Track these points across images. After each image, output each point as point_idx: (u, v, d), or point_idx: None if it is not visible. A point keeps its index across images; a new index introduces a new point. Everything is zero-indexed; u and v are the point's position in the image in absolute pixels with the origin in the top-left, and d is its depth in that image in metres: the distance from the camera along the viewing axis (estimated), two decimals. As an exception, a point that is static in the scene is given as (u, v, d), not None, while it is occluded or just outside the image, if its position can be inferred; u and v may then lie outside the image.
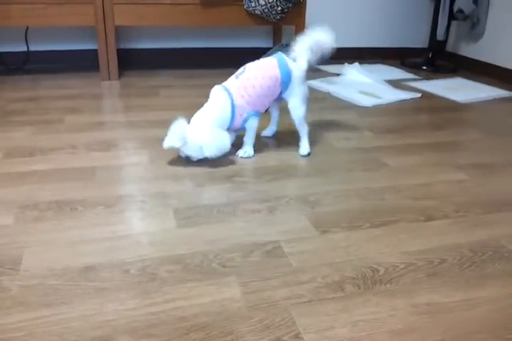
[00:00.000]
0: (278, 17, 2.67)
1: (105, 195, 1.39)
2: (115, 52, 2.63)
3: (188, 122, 1.61)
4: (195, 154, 1.60)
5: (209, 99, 1.65)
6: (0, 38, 2.84)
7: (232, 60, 3.09)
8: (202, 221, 1.27)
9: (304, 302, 0.97)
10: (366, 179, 1.56)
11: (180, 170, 1.58)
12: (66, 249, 1.13)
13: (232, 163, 1.64)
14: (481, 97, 2.59)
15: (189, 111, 1.68)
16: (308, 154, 1.74)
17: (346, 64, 3.00)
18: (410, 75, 3.06)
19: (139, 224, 1.25)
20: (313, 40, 1.68)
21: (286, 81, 1.65)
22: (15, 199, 1.35)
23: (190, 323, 0.91)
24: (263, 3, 2.60)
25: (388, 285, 1.04)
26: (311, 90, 2.55)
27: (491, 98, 2.61)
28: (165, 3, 2.57)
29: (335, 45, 1.68)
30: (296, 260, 1.11)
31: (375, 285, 1.03)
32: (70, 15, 2.48)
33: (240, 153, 1.70)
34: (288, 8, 2.67)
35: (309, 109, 2.23)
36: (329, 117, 2.17)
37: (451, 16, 3.11)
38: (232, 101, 1.61)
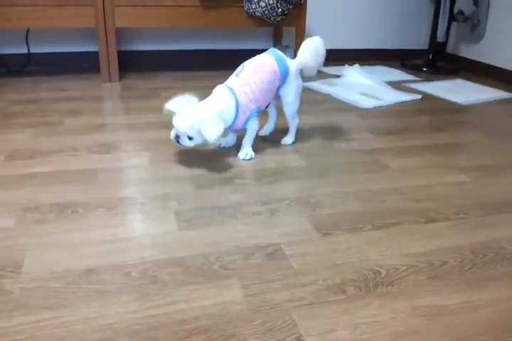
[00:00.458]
0: (278, 19, 2.68)
1: (106, 197, 1.39)
2: (116, 54, 2.63)
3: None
4: (195, 135, 1.54)
5: (211, 96, 1.64)
6: (1, 40, 2.84)
7: (233, 61, 3.08)
8: (203, 223, 1.27)
9: (306, 305, 0.97)
10: (367, 181, 1.56)
11: (181, 172, 1.58)
12: (67, 251, 1.13)
13: (233, 164, 1.64)
14: (481, 99, 2.60)
15: (190, 113, 1.68)
16: (292, 143, 1.84)
17: (347, 65, 3.00)
18: (411, 77, 3.06)
19: (140, 226, 1.25)
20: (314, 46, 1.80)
21: (284, 75, 1.70)
22: (16, 201, 1.35)
23: (191, 326, 0.91)
24: (263, 4, 2.60)
25: (390, 288, 1.03)
26: (312, 92, 2.56)
27: (492, 99, 2.61)
28: (165, 5, 2.58)
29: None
30: (297, 262, 1.11)
31: (377, 287, 1.03)
32: (70, 17, 2.49)
33: (241, 155, 1.70)
34: (288, 9, 2.67)
35: (310, 111, 2.25)
36: (330, 119, 2.17)
37: (452, 18, 3.11)
38: (236, 99, 1.61)
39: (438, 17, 3.13)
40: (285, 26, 3.02)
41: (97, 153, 1.70)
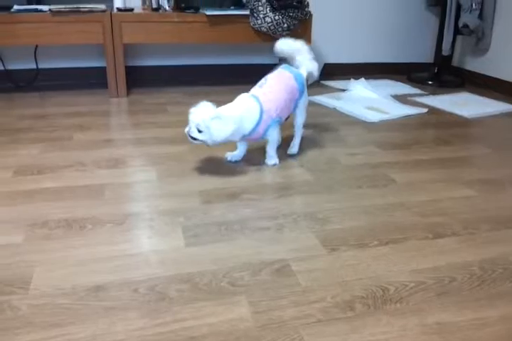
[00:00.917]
0: (284, 34, 2.70)
1: (114, 212, 1.40)
2: (123, 69, 2.66)
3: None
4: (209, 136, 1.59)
5: (234, 102, 1.68)
6: (9, 56, 2.87)
7: (239, 76, 3.12)
8: (210, 239, 1.27)
9: (314, 323, 0.97)
10: (374, 195, 1.56)
11: (188, 187, 1.58)
12: (75, 267, 1.13)
13: (239, 180, 1.65)
14: (487, 112, 2.59)
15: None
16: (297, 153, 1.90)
17: (352, 79, 3.01)
18: (416, 90, 3.07)
19: (148, 242, 1.25)
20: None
21: (301, 89, 1.80)
22: (24, 217, 1.36)
23: (199, 344, 0.91)
24: (269, 20, 2.63)
25: (398, 305, 1.03)
26: (318, 106, 2.57)
27: (498, 113, 2.61)
28: (172, 21, 2.61)
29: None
30: (305, 279, 1.11)
31: (385, 304, 1.03)
32: (78, 33, 2.52)
33: (269, 162, 1.78)
34: (294, 25, 2.70)
35: (315, 124, 2.26)
36: (336, 133, 2.18)
37: (457, 31, 3.12)
38: (261, 106, 1.66)
39: (443, 30, 3.14)
40: (291, 41, 3.03)
41: (105, 168, 1.71)
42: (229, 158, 1.81)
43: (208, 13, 2.61)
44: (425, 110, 2.58)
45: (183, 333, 0.93)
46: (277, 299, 1.03)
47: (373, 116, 2.42)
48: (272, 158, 1.78)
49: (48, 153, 1.85)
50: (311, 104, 1.87)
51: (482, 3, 3.03)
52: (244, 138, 1.69)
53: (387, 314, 1.00)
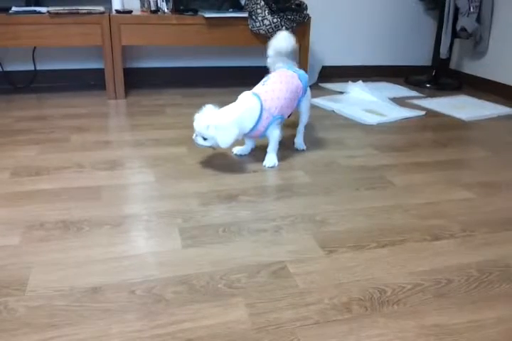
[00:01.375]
0: (282, 36, 2.70)
1: (111, 214, 1.40)
2: (122, 71, 2.66)
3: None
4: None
5: (236, 102, 1.71)
6: (7, 58, 2.87)
7: (237, 78, 3.12)
8: (207, 241, 1.27)
9: (311, 325, 0.96)
10: (372, 198, 1.56)
11: (186, 189, 1.58)
12: (72, 269, 1.13)
13: (237, 181, 1.65)
14: (485, 115, 2.60)
15: (195, 130, 1.70)
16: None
17: (350, 82, 3.02)
18: (414, 93, 3.07)
19: (145, 244, 1.25)
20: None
21: (305, 87, 1.85)
22: (21, 218, 1.35)
23: (196, 345, 0.90)
24: (267, 23, 2.63)
25: (396, 307, 1.03)
26: (316, 108, 2.57)
27: (496, 115, 2.61)
28: (171, 24, 2.61)
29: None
30: (302, 281, 1.11)
31: (383, 306, 1.03)
32: (77, 35, 2.52)
33: (267, 163, 1.77)
34: (292, 27, 2.70)
35: (314, 127, 2.26)
36: (334, 135, 2.18)
37: (455, 34, 3.13)
38: (261, 103, 1.69)
39: (441, 33, 3.15)
40: (289, 43, 3.04)
41: (103, 170, 1.71)
42: (235, 152, 1.86)
43: (207, 15, 2.61)
44: (423, 113, 2.59)
45: (180, 335, 0.93)
46: (274, 301, 1.03)
47: (371, 119, 2.42)
48: (271, 159, 1.78)
49: (46, 154, 1.84)
50: (309, 106, 1.89)
51: (480, 7, 3.04)
52: (245, 136, 1.72)
53: (385, 316, 1.00)
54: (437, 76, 3.35)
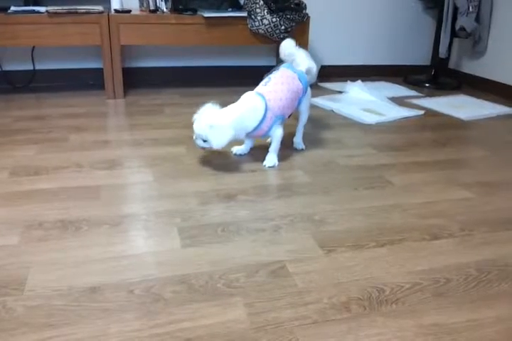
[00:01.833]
0: (281, 36, 2.70)
1: (110, 213, 1.39)
2: (120, 70, 2.65)
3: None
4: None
5: (238, 101, 1.72)
6: (6, 57, 2.87)
7: (237, 78, 3.12)
8: (206, 240, 1.27)
9: (310, 324, 0.96)
10: (371, 197, 1.56)
11: (185, 188, 1.58)
12: (71, 268, 1.13)
13: (236, 181, 1.65)
14: (484, 114, 2.60)
15: (194, 129, 1.70)
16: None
17: (349, 81, 3.02)
18: (413, 92, 3.07)
19: (144, 243, 1.25)
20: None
21: (305, 87, 1.85)
22: (20, 218, 1.35)
23: (195, 345, 0.90)
24: (267, 22, 2.63)
25: (394, 306, 1.03)
26: (315, 108, 2.57)
27: (495, 115, 2.61)
28: (170, 23, 2.61)
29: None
30: (301, 280, 1.11)
31: (381, 305, 1.03)
32: (76, 35, 2.51)
33: (267, 163, 1.77)
34: (291, 27, 2.70)
35: (313, 126, 2.26)
36: (333, 135, 2.18)
37: (454, 34, 3.13)
38: (266, 103, 1.69)
39: (440, 33, 3.15)
40: (288, 43, 3.04)
41: (101, 170, 1.71)
42: (234, 152, 1.86)
43: (206, 15, 2.61)
44: (422, 112, 2.59)
45: (179, 335, 0.93)
46: (273, 300, 1.03)
47: (370, 118, 2.42)
48: (271, 159, 1.78)
49: (44, 154, 1.84)
50: (308, 105, 1.89)
51: (479, 6, 3.04)
52: (248, 135, 1.73)
53: (383, 315, 1.00)
54: (436, 75, 3.35)
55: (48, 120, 2.28)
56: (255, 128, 1.71)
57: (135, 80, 3.03)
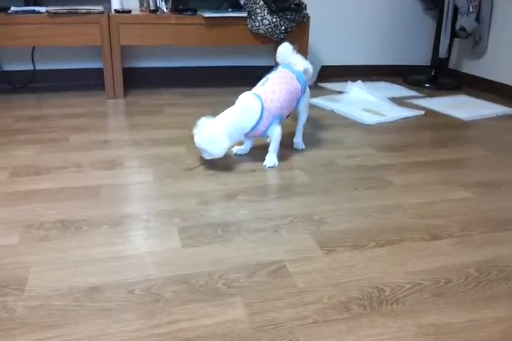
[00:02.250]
0: (282, 36, 2.70)
1: (110, 213, 1.39)
2: (120, 71, 2.65)
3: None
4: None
5: (237, 103, 1.73)
6: (6, 57, 2.87)
7: (237, 78, 3.12)
8: (206, 240, 1.27)
9: (310, 324, 0.96)
10: (371, 197, 1.56)
11: (185, 188, 1.58)
12: (71, 268, 1.13)
13: (236, 181, 1.65)
14: (484, 114, 2.60)
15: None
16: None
17: (349, 82, 3.02)
18: (413, 93, 3.07)
19: (144, 243, 1.25)
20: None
21: (304, 87, 1.86)
22: (20, 218, 1.35)
23: (195, 345, 0.90)
24: (267, 22, 2.63)
25: (394, 306, 1.03)
26: (315, 108, 2.57)
27: (495, 115, 2.61)
28: (170, 23, 2.61)
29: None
30: (301, 280, 1.11)
31: (381, 305, 1.03)
32: (76, 35, 2.52)
33: (267, 163, 1.78)
34: (291, 27, 2.70)
35: (313, 126, 2.26)
36: (333, 135, 2.18)
37: (454, 34, 3.13)
38: (262, 104, 1.70)
39: (440, 33, 3.15)
40: (288, 43, 3.04)
41: (101, 170, 1.71)
42: (235, 151, 1.87)
43: (206, 15, 2.61)
44: (422, 112, 2.59)
45: (179, 335, 0.93)
46: (273, 300, 1.03)
47: (370, 119, 2.42)
48: (271, 159, 1.78)
49: (45, 154, 1.84)
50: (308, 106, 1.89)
51: (479, 7, 3.04)
52: (246, 135, 1.75)
53: (383, 315, 1.00)
54: (436, 76, 3.35)
55: (48, 120, 2.28)
56: (252, 129, 1.71)
57: (135, 80, 3.03)
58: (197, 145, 1.69)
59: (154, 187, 1.59)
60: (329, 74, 3.31)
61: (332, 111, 2.57)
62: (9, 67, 2.89)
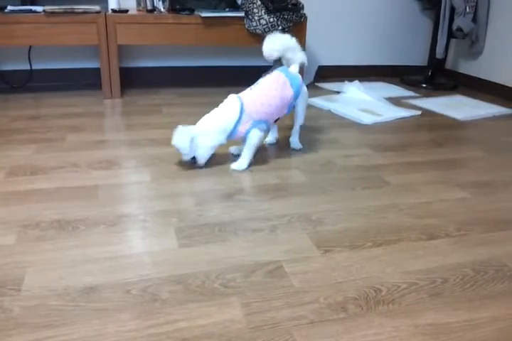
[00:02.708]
0: (279, 36, 2.70)
1: (107, 213, 1.39)
2: (117, 70, 2.65)
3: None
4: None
5: (220, 105, 1.73)
6: (3, 57, 2.87)
7: (234, 78, 3.12)
8: (203, 240, 1.27)
9: (306, 324, 0.96)
10: (368, 197, 1.56)
11: (182, 188, 1.58)
12: (68, 268, 1.13)
13: (233, 180, 1.65)
14: (481, 115, 2.61)
15: (191, 129, 1.69)
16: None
17: (346, 82, 3.02)
18: (410, 93, 3.08)
19: (141, 243, 1.25)
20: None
21: (297, 91, 1.81)
22: (17, 218, 1.35)
23: (191, 345, 0.90)
24: (264, 22, 2.63)
25: (391, 306, 1.03)
26: (312, 108, 2.57)
27: (491, 115, 2.62)
28: (167, 23, 2.61)
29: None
30: (298, 280, 1.11)
31: (378, 305, 1.03)
32: (73, 34, 2.51)
33: (233, 165, 1.75)
34: (288, 27, 2.70)
35: (310, 126, 2.26)
36: (330, 135, 2.18)
37: (451, 34, 3.14)
38: (242, 106, 1.69)
39: (437, 33, 3.16)
40: (285, 43, 3.04)
41: (98, 170, 1.70)
42: (232, 151, 1.87)
43: (203, 14, 2.61)
44: (419, 112, 2.59)
45: (176, 335, 0.93)
46: (270, 300, 1.03)
47: (367, 119, 2.43)
48: (240, 163, 1.75)
49: (41, 154, 1.84)
50: (305, 106, 1.90)
51: (476, 7, 3.05)
52: (229, 138, 1.73)
53: (380, 315, 1.00)
54: (433, 76, 3.35)
55: (45, 120, 2.28)
56: (233, 131, 1.69)
57: (132, 80, 3.02)
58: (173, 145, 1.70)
59: (151, 187, 1.59)
60: (326, 74, 3.31)
61: (329, 111, 2.57)
62: (6, 66, 2.88)
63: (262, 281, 1.10)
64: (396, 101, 2.80)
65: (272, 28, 2.65)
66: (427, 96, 3.02)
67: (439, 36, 3.13)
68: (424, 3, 3.41)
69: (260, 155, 1.80)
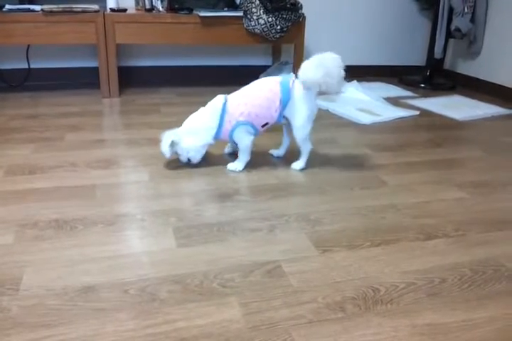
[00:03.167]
0: (277, 36, 2.70)
1: (105, 213, 1.39)
2: (116, 69, 2.65)
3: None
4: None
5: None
6: (1, 56, 2.86)
7: (232, 77, 3.12)
8: (202, 240, 1.27)
9: (305, 323, 0.97)
10: (366, 197, 1.56)
11: (180, 188, 1.58)
12: (66, 268, 1.12)
13: (232, 180, 1.65)
14: (479, 115, 2.61)
15: (189, 129, 1.69)
16: (301, 170, 1.77)
17: (345, 81, 3.01)
18: (408, 93, 3.08)
19: (139, 243, 1.25)
20: (322, 62, 1.73)
21: (285, 96, 1.66)
22: (15, 217, 1.35)
23: (190, 345, 0.90)
24: (262, 22, 2.63)
25: (389, 306, 1.03)
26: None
27: (489, 115, 2.62)
28: (165, 22, 2.60)
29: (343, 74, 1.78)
30: (296, 280, 1.11)
31: (376, 305, 1.03)
32: (71, 33, 2.51)
33: (230, 166, 1.75)
34: (287, 27, 2.70)
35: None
36: (328, 135, 2.18)
37: (449, 35, 3.14)
38: (225, 104, 1.68)
39: (435, 34, 3.16)
40: (284, 43, 3.04)
41: (97, 169, 1.70)
42: (226, 151, 1.88)
43: (202, 14, 2.61)
44: (417, 112, 2.60)
45: (174, 334, 0.93)
46: (268, 300, 1.03)
47: (365, 118, 2.43)
48: (235, 164, 1.74)
49: (40, 153, 1.84)
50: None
51: (474, 7, 3.05)
52: (216, 138, 1.72)
53: (378, 315, 1.00)
54: (431, 76, 3.36)
55: (44, 119, 2.27)
56: (218, 130, 1.69)
57: (131, 79, 3.02)
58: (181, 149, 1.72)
59: (150, 186, 1.59)
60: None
61: (327, 111, 2.57)
62: (4, 65, 2.88)
63: (260, 281, 1.10)
64: (394, 101, 2.80)
65: (270, 28, 2.65)
66: (425, 96, 3.02)
67: (437, 36, 3.14)
68: (423, 4, 3.41)
69: (260, 155, 1.80)
